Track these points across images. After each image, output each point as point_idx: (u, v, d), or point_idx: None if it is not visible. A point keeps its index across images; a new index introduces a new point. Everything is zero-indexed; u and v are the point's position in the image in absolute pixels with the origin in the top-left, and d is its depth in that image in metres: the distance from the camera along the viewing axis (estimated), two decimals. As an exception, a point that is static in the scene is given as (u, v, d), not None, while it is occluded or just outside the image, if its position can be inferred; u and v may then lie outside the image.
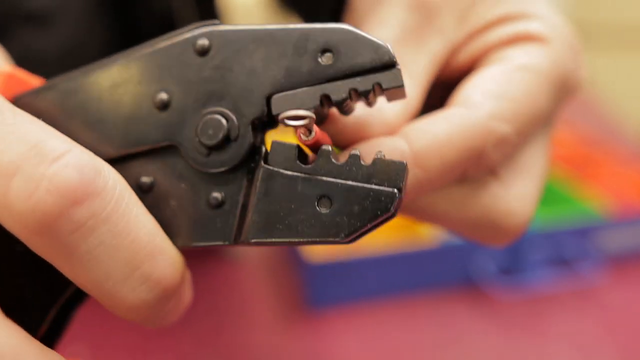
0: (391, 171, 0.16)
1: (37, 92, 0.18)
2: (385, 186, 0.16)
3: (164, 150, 0.18)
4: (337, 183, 0.16)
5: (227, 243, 0.17)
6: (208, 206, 0.17)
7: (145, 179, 0.18)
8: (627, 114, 0.96)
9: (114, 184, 0.15)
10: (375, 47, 0.16)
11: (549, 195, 0.56)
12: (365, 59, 0.16)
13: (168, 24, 0.42)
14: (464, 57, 0.22)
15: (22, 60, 0.37)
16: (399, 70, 0.17)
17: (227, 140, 0.17)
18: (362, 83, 0.17)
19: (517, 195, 0.20)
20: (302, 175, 0.17)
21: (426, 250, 0.45)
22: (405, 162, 0.16)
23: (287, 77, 0.17)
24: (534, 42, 0.21)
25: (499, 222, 0.20)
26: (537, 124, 0.20)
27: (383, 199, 0.16)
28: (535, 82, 0.20)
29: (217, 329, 0.42)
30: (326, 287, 0.44)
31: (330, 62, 0.17)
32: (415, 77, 0.20)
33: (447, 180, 0.19)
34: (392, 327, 0.43)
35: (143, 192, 0.18)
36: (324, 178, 0.16)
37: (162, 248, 0.16)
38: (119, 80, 0.18)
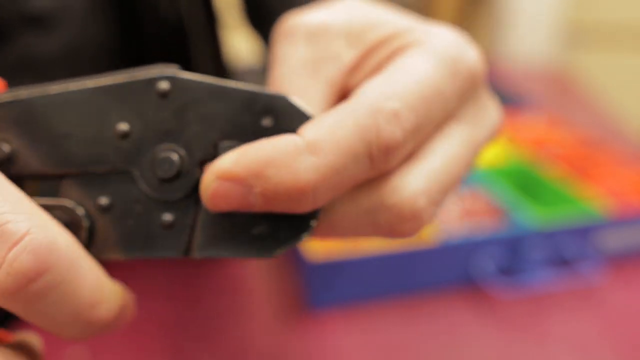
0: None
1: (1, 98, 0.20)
2: (307, 216, 0.20)
3: (121, 174, 0.20)
4: (268, 214, 0.20)
5: (177, 256, 0.20)
6: (161, 227, 0.20)
7: (104, 200, 0.20)
8: (627, 114, 0.96)
9: (65, 251, 0.17)
10: (304, 117, 0.19)
11: (549, 195, 0.56)
12: (296, 125, 0.19)
13: (178, 32, 0.42)
14: (359, 77, 0.23)
15: (24, 63, 0.37)
16: None
17: (177, 176, 0.20)
18: None
19: (410, 187, 0.20)
20: None
21: (426, 250, 0.45)
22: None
23: (233, 129, 0.20)
24: (414, 46, 0.22)
25: (390, 214, 0.20)
26: (433, 104, 0.20)
27: (303, 224, 0.20)
28: (419, 64, 0.21)
29: (217, 329, 0.42)
30: (326, 287, 0.44)
31: (269, 124, 0.19)
32: (316, 103, 0.22)
33: (350, 168, 0.19)
34: (392, 327, 0.43)
35: (102, 211, 0.20)
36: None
37: (103, 297, 0.19)
38: (84, 103, 0.20)
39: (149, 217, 0.20)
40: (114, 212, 0.20)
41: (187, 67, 0.43)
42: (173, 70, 0.20)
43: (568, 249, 0.49)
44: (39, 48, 0.37)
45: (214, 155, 0.20)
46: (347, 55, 0.23)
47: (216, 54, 0.47)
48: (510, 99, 0.86)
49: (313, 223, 0.19)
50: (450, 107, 0.21)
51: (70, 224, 0.20)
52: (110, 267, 0.49)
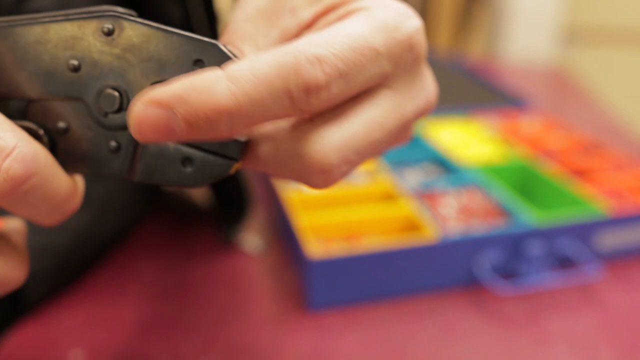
0: (233, 145, 0.22)
1: None
2: (228, 156, 0.22)
3: (75, 103, 0.23)
4: (195, 151, 0.22)
5: (122, 176, 0.23)
6: (108, 150, 0.23)
7: (62, 124, 0.23)
8: (626, 115, 0.96)
9: (45, 162, 0.21)
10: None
11: (549, 195, 0.56)
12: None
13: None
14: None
15: None
16: None
17: (119, 110, 0.22)
18: None
19: (324, 141, 0.21)
20: (171, 144, 0.22)
21: (426, 250, 0.45)
22: (241, 139, 0.22)
23: (168, 71, 0.22)
24: (358, 11, 0.23)
25: (300, 163, 0.21)
26: (363, 58, 0.21)
27: (226, 165, 0.22)
28: (355, 24, 0.22)
29: (216, 329, 0.42)
30: (326, 287, 0.44)
31: (198, 68, 0.22)
32: (264, 49, 0.23)
33: (267, 101, 0.19)
34: (392, 326, 0.43)
35: (60, 134, 0.23)
36: (186, 147, 0.22)
37: (75, 191, 0.23)
38: (40, 39, 0.22)
39: (98, 141, 0.23)
40: (71, 135, 0.23)
41: None
42: (118, 11, 0.22)
43: (568, 249, 0.49)
44: None
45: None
46: (305, 12, 0.24)
47: None
48: (509, 99, 0.86)
49: (235, 162, 0.22)
50: (383, 70, 0.22)
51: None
52: (112, 269, 0.49)
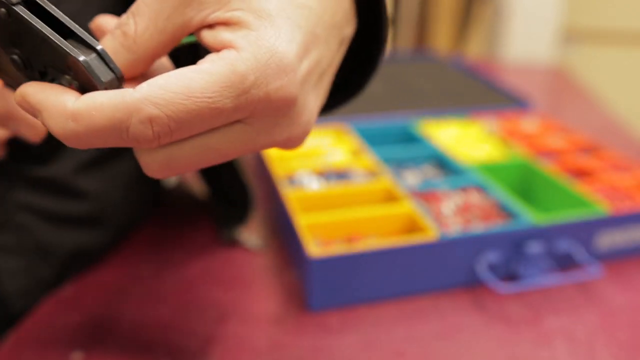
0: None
1: None
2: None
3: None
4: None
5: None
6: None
7: (15, 57, 0.24)
8: (626, 115, 0.96)
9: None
10: (99, 81, 0.23)
11: (549, 195, 0.56)
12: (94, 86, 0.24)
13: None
14: (207, 37, 0.25)
15: None
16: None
17: (25, 69, 0.24)
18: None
19: (151, 157, 0.24)
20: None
21: (426, 250, 0.45)
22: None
23: (53, 65, 0.23)
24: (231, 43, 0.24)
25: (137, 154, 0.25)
26: (202, 117, 0.23)
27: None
28: (207, 77, 0.22)
29: (217, 329, 0.42)
30: (326, 287, 0.44)
31: (72, 76, 0.23)
32: (162, 30, 0.24)
33: (105, 139, 0.22)
34: (392, 326, 0.43)
35: (12, 62, 0.25)
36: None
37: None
38: None
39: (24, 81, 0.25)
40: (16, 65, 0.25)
41: None
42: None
43: (567, 249, 0.49)
44: None
45: (45, 72, 0.24)
46: (209, 14, 0.24)
47: None
48: (509, 99, 0.86)
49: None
50: (229, 119, 0.23)
51: None
52: (112, 270, 0.49)
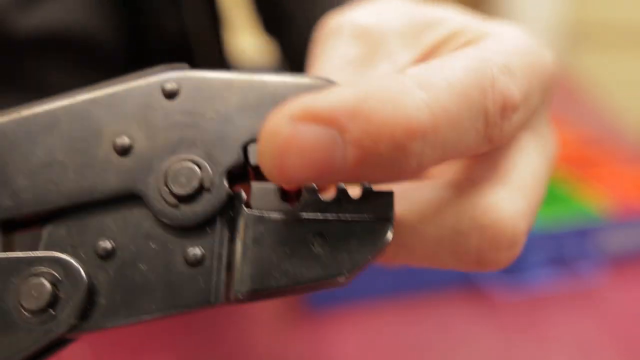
0: (381, 202, 0.15)
1: None
2: (377, 217, 0.15)
3: (124, 204, 0.16)
4: (330, 220, 0.15)
5: (215, 303, 0.16)
6: (186, 265, 0.15)
7: (105, 244, 0.15)
8: (627, 114, 0.96)
9: None
10: None
11: (549, 195, 0.56)
12: None
13: (182, 44, 0.42)
14: None
15: (38, 90, 0.37)
16: None
17: (200, 191, 0.15)
18: None
19: (509, 205, 0.16)
20: (292, 216, 0.15)
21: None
22: (392, 191, 0.15)
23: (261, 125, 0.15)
24: (488, 37, 0.19)
25: (483, 237, 0.16)
26: (534, 80, 0.17)
27: (378, 230, 0.15)
28: (511, 38, 0.18)
29: (217, 329, 0.42)
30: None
31: None
32: None
33: (464, 120, 0.14)
34: (391, 327, 0.43)
35: (103, 259, 0.15)
36: (316, 217, 0.15)
37: None
38: (70, 120, 0.16)
39: (167, 255, 0.16)
40: (120, 257, 0.16)
41: None
42: (179, 67, 0.16)
43: (568, 249, 0.49)
44: (55, 64, 0.37)
45: (244, 161, 0.16)
46: (404, 56, 0.20)
47: (220, 57, 0.47)
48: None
49: (389, 233, 0.15)
50: (533, 107, 0.17)
51: (61, 283, 0.15)
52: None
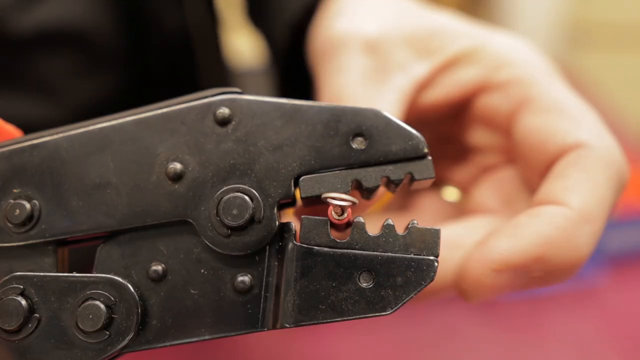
0: (427, 239, 0.16)
1: (16, 144, 0.16)
2: (423, 254, 0.16)
3: (175, 228, 0.16)
4: (377, 256, 0.16)
5: (262, 329, 0.16)
6: (234, 292, 0.16)
7: (157, 267, 0.16)
8: (627, 114, 0.96)
9: None
10: (409, 136, 0.16)
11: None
12: (398, 147, 0.16)
13: (183, 42, 0.41)
14: (439, 93, 0.22)
15: (41, 86, 0.36)
16: (430, 161, 0.16)
17: (251, 222, 0.16)
18: (394, 172, 0.16)
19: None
20: (340, 250, 0.16)
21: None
22: (439, 228, 0.16)
23: (317, 158, 0.16)
24: (511, 67, 0.21)
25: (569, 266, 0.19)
26: None
27: (425, 267, 0.16)
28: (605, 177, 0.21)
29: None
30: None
31: (362, 147, 0.16)
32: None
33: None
34: (391, 327, 0.43)
35: (155, 282, 0.16)
36: (363, 252, 0.16)
37: None
38: (122, 141, 0.16)
39: (217, 281, 0.16)
40: (171, 281, 0.16)
41: (192, 72, 0.42)
42: (231, 92, 0.16)
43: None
44: (56, 63, 0.37)
45: (293, 193, 0.16)
46: (418, 68, 0.21)
47: (220, 55, 0.47)
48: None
49: (434, 271, 0.16)
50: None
51: (115, 305, 0.16)
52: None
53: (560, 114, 0.21)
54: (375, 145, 0.16)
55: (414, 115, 0.22)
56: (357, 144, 0.16)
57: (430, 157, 0.16)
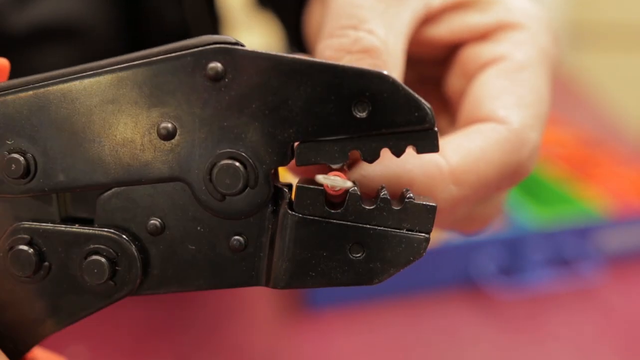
0: (422, 215, 0.16)
1: (4, 88, 0.16)
2: (416, 231, 0.16)
3: (172, 185, 0.16)
4: (369, 229, 0.16)
5: (256, 285, 0.17)
6: (230, 250, 0.16)
7: (155, 221, 0.16)
8: (627, 114, 0.96)
9: None
10: (416, 106, 0.15)
11: (549, 195, 0.56)
12: (403, 117, 0.15)
13: (183, 37, 0.41)
14: (442, 31, 0.22)
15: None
16: (436, 133, 0.15)
17: (244, 189, 0.16)
18: (396, 144, 0.15)
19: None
20: (333, 221, 0.16)
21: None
22: (435, 204, 0.16)
23: (315, 125, 0.15)
24: (515, 30, 0.21)
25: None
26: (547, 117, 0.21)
27: (416, 245, 0.16)
28: (537, 77, 0.20)
29: (216, 329, 0.42)
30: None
31: (364, 115, 0.15)
32: (399, 32, 0.20)
33: (480, 198, 0.19)
34: (392, 327, 0.43)
35: (153, 235, 0.16)
36: (356, 224, 0.16)
37: None
38: (112, 96, 0.15)
39: (213, 239, 0.16)
40: (169, 235, 0.16)
41: None
42: (226, 40, 0.15)
43: (568, 249, 0.49)
44: (54, 60, 0.37)
45: (288, 160, 0.16)
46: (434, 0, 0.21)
47: None
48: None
49: (424, 249, 0.17)
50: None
51: (117, 258, 0.16)
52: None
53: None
54: (379, 113, 0.15)
55: (419, 48, 0.22)
56: (359, 111, 0.15)
57: (436, 129, 0.15)
